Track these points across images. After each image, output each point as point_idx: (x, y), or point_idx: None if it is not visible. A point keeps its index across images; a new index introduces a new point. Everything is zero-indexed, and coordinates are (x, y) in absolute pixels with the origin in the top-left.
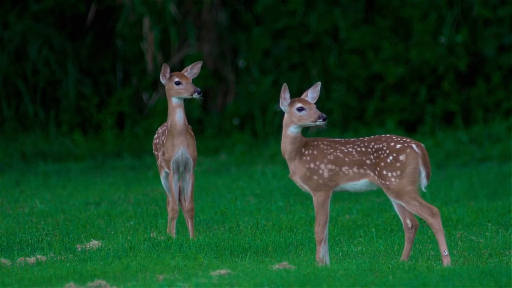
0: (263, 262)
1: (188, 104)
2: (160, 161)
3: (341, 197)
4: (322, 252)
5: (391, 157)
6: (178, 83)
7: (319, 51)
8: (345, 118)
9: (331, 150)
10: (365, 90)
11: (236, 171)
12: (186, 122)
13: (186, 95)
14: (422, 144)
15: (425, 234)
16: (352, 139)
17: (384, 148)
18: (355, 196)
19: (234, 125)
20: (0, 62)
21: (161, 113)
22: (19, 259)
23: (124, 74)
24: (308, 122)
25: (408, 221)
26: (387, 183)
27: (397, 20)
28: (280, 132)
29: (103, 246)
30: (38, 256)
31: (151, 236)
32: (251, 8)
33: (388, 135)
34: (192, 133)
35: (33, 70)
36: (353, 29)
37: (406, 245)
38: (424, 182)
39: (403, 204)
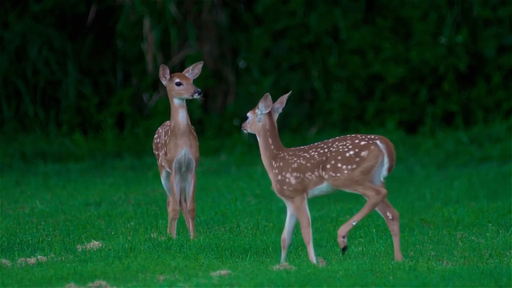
0: (263, 262)
1: (188, 104)
2: (160, 160)
3: (341, 198)
4: (315, 256)
5: (351, 152)
6: (178, 84)
7: (319, 51)
8: (345, 118)
9: (295, 159)
10: (365, 90)
11: (237, 171)
12: (189, 123)
13: (186, 95)
14: (387, 138)
15: (425, 234)
16: (317, 143)
17: (348, 144)
18: (356, 197)
19: (234, 126)
20: (0, 62)
21: (162, 114)
22: (19, 259)
23: (125, 75)
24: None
25: (388, 214)
26: (338, 174)
27: (397, 20)
28: (280, 132)
29: (103, 247)
30: (39, 256)
31: (152, 236)
32: (251, 8)
33: (353, 135)
34: (195, 134)
35: (33, 70)
36: (353, 29)
37: (394, 240)
38: (384, 173)
39: (349, 190)
